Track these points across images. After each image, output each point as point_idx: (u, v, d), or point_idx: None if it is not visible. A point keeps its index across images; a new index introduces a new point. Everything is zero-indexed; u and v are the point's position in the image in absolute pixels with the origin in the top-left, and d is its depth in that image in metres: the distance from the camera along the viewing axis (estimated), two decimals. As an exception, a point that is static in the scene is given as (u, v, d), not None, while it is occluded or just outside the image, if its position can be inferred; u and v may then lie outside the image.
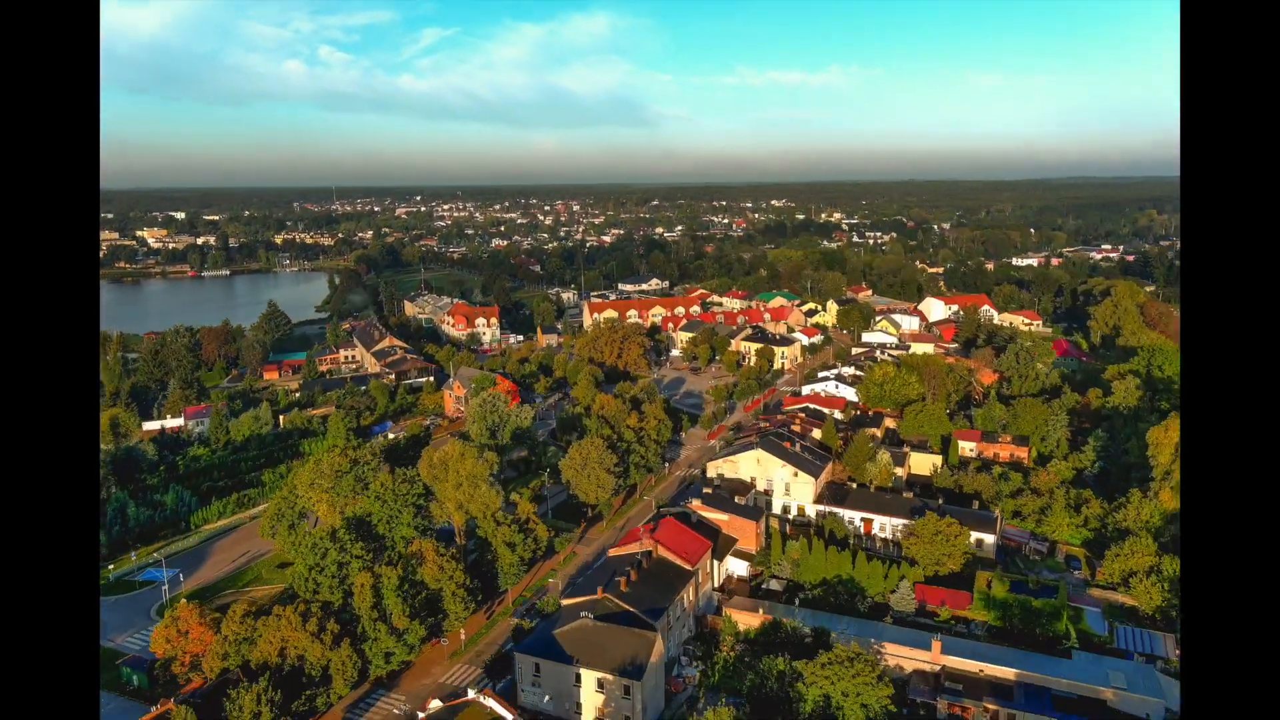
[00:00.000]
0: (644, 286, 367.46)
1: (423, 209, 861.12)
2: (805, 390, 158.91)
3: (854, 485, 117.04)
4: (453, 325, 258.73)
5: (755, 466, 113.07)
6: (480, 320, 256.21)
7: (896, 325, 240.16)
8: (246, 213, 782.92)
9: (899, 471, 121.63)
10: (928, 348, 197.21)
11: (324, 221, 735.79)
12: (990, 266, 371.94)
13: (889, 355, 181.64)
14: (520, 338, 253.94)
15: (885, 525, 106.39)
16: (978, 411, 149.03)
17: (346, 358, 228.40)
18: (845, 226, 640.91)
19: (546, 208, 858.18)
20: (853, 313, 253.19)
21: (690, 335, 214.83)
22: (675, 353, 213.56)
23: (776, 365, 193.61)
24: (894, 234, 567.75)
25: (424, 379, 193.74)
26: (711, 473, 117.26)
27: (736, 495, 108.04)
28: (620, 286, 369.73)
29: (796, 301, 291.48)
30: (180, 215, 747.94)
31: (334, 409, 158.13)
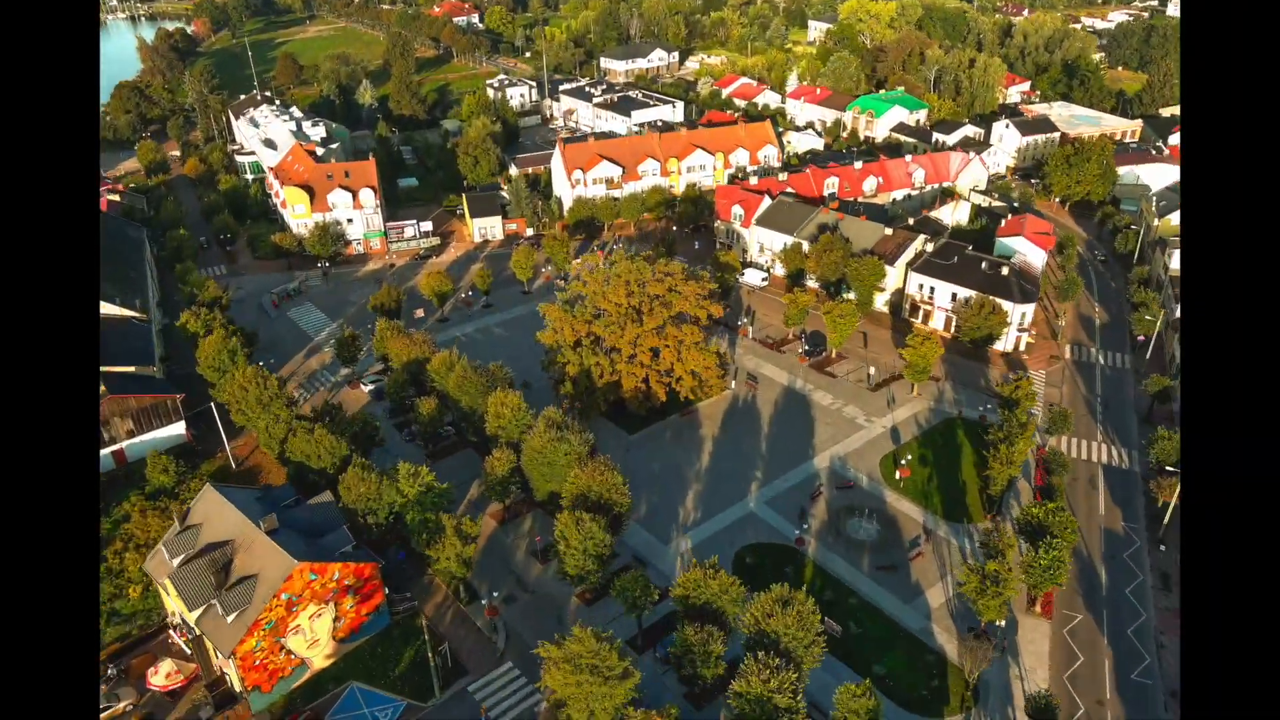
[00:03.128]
0: (642, 64, 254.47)
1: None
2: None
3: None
4: (279, 201, 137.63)
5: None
6: (339, 195, 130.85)
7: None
8: None
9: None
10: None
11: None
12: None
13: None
14: (425, 236, 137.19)
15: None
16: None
17: None
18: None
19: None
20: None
21: (778, 245, 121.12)
22: (755, 279, 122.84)
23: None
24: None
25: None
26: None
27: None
28: (604, 64, 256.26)
29: (926, 112, 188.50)
30: None
31: None
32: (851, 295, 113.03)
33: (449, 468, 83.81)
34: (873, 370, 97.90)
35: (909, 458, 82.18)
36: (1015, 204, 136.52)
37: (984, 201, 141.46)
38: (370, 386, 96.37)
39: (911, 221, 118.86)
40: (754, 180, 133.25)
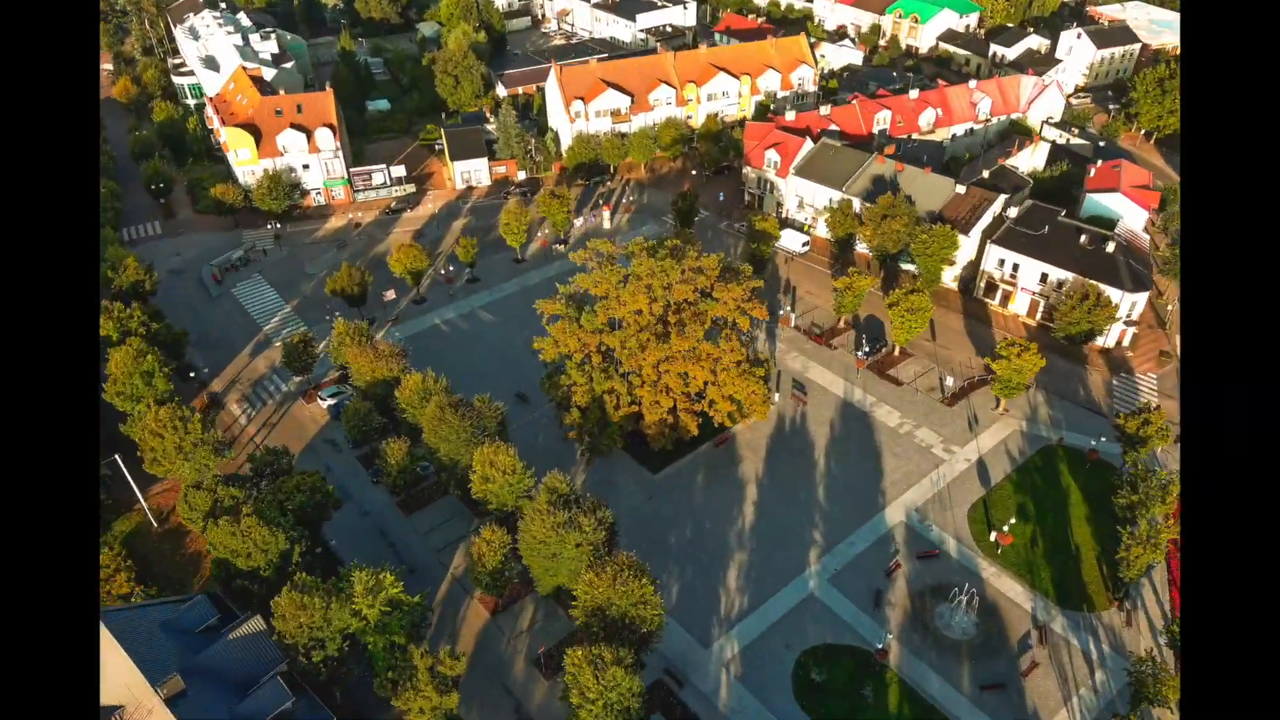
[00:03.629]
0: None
1: None
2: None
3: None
4: (221, 141, 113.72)
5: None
6: (291, 137, 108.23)
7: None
8: None
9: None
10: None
11: None
12: None
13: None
14: (398, 184, 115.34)
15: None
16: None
17: None
18: None
19: None
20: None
21: (822, 200, 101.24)
22: (794, 244, 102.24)
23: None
24: None
25: None
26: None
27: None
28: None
29: (979, 16, 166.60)
30: None
31: None
32: (910, 265, 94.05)
33: (426, 521, 67.19)
34: (949, 381, 79.90)
35: (1011, 522, 65.21)
36: (1100, 141, 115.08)
37: (1059, 137, 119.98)
38: (330, 401, 78.52)
39: (986, 174, 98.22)
40: (789, 115, 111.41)
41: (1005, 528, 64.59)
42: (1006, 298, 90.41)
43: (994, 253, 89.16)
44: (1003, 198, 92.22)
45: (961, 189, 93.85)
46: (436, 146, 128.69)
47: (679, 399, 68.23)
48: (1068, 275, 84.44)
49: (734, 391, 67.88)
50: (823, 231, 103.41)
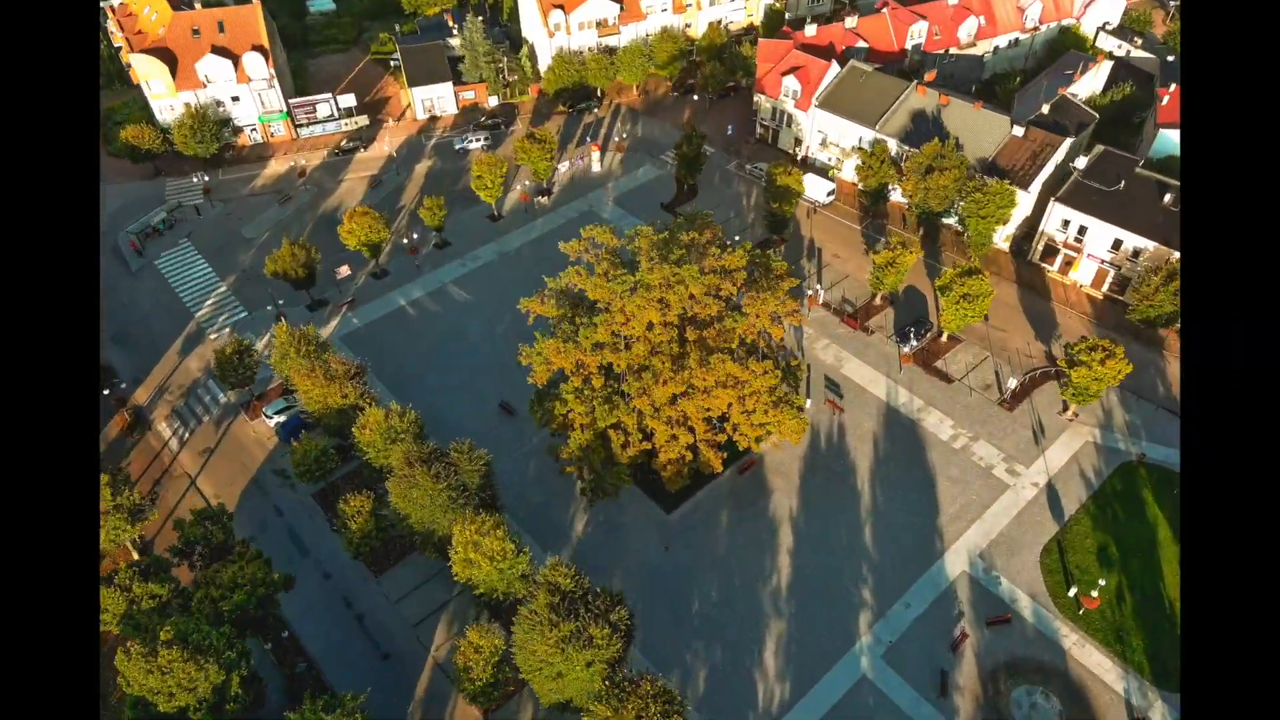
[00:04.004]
0: None
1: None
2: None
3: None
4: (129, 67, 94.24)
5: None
6: (214, 64, 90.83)
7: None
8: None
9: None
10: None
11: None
12: None
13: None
14: (348, 116, 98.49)
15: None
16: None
17: None
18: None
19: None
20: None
21: (850, 139, 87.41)
22: (818, 192, 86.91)
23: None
24: None
25: None
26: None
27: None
28: None
29: None
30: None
31: None
32: (951, 218, 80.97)
33: (399, 583, 56.51)
34: (1011, 382, 68.30)
35: (1101, 584, 55.08)
36: (1169, 56, 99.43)
37: (1117, 47, 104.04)
38: (278, 419, 66.10)
39: (1046, 109, 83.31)
40: (809, 30, 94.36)
41: (1093, 592, 54.73)
42: (1068, 264, 77.89)
43: (1058, 212, 75.92)
44: (1068, 143, 78.10)
45: (1019, 130, 79.43)
46: (392, 63, 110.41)
47: (699, 429, 56.46)
48: (1147, 244, 71.78)
49: (765, 422, 56.13)
50: (848, 174, 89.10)
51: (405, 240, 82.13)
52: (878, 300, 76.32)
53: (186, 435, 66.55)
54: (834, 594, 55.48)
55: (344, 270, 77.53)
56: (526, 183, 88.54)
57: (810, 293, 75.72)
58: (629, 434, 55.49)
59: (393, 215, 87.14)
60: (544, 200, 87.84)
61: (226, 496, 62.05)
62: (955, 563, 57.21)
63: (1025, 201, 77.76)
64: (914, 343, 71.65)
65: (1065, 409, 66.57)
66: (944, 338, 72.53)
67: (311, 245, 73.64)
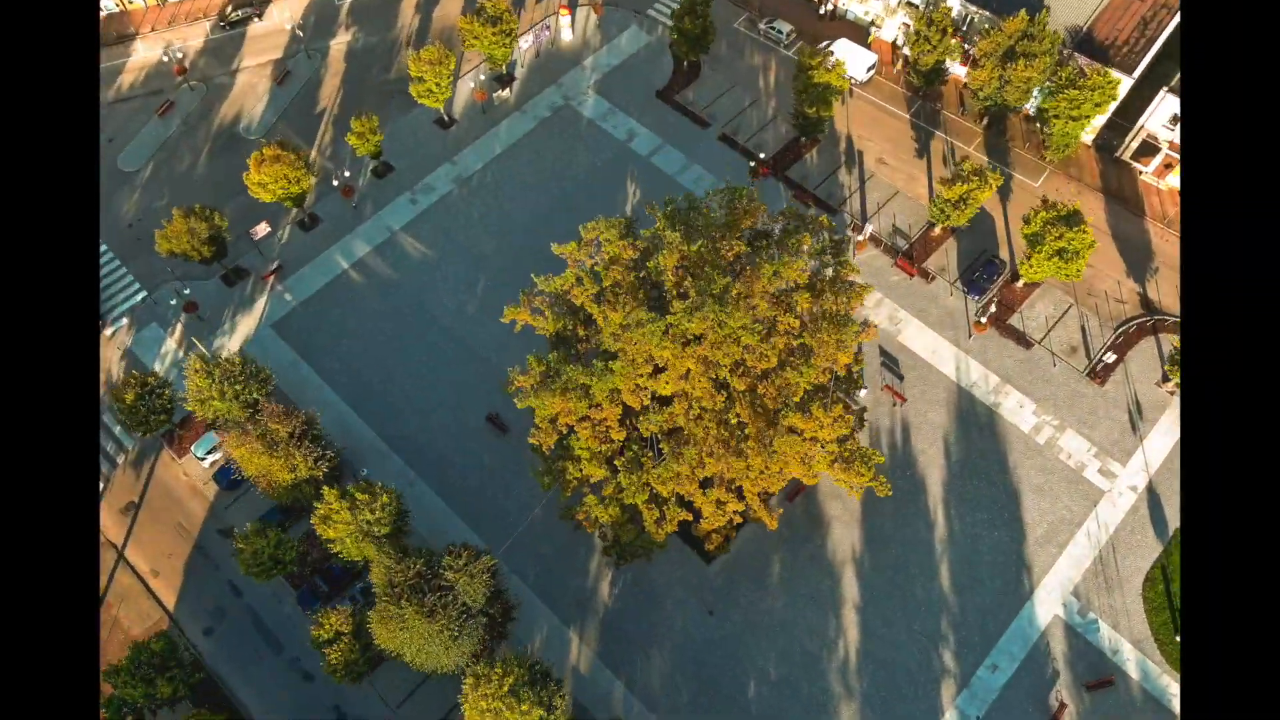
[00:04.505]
0: None
1: None
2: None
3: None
4: None
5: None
6: None
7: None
8: None
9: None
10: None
11: None
12: None
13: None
14: None
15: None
16: None
17: None
18: None
19: None
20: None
21: None
22: (857, 66, 67.33)
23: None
24: None
25: None
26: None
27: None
28: None
29: None
30: None
31: None
32: (1028, 108, 65.13)
33: (398, 679, 47.65)
34: (1110, 357, 56.46)
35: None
36: None
37: None
38: (213, 456, 53.37)
39: (1155, -54, 63.76)
40: None
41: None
42: (1168, 166, 63.34)
43: (1168, 105, 60.13)
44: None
45: (1122, -14, 61.11)
46: None
47: (751, 495, 45.31)
48: (1280, 153, 57.40)
49: (827, 468, 44.99)
50: (890, 33, 70.43)
51: (335, 180, 63.93)
52: (937, 230, 62.14)
53: (101, 486, 53.78)
54: (910, 663, 47.89)
55: (262, 229, 60.54)
56: (481, 77, 68.46)
57: (859, 238, 60.97)
58: (665, 507, 44.29)
59: (311, 131, 67.91)
60: (505, 94, 68.64)
61: (166, 571, 51.05)
62: (1046, 604, 49.43)
63: (1125, 85, 61.49)
64: (985, 295, 58.88)
65: (1166, 380, 56.04)
66: (1020, 283, 59.75)
67: (213, 211, 56.18)
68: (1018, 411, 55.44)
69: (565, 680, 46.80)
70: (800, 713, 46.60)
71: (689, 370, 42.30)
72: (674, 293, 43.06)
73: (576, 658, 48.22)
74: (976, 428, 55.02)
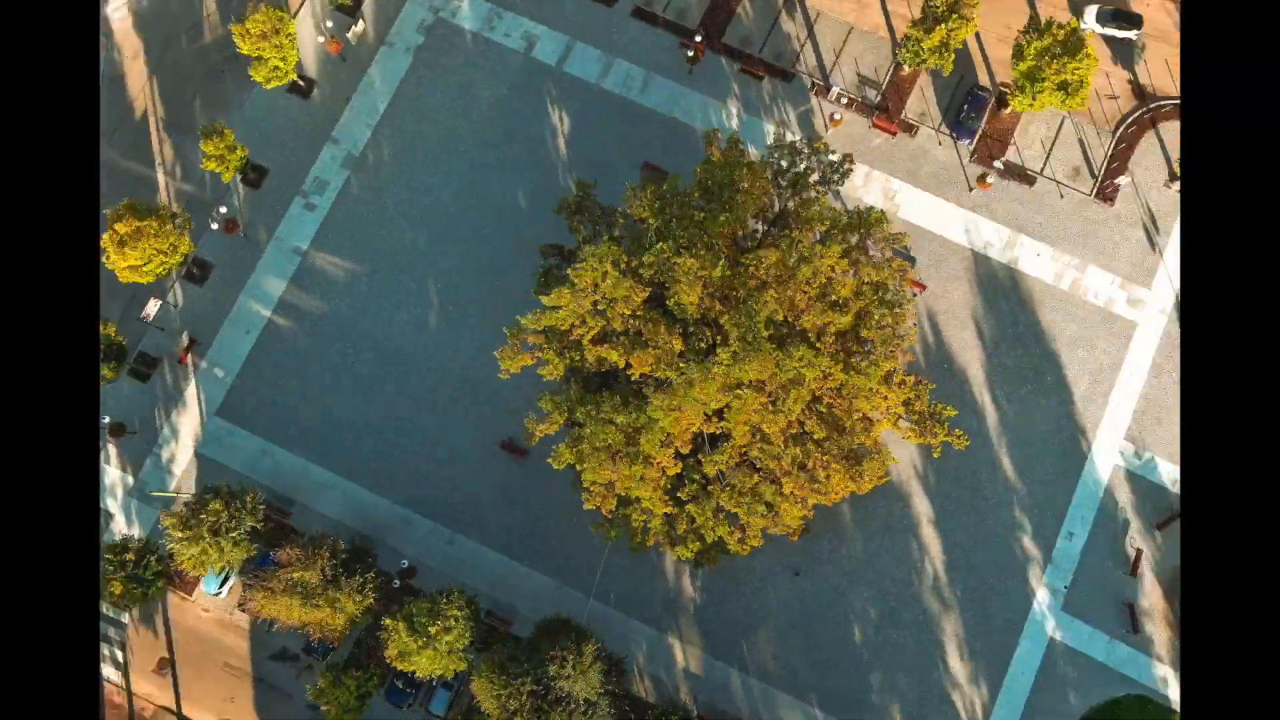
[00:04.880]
0: None
1: None
2: None
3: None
4: None
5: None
6: None
7: None
8: None
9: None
10: None
11: None
12: None
13: None
14: None
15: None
16: None
17: None
18: None
19: None
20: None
21: None
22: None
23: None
24: None
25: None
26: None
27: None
28: None
29: None
30: None
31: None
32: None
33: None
34: (1123, 179, 52.29)
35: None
36: None
37: None
38: (224, 587, 48.36)
39: None
40: None
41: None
42: (1138, -87, 55.28)
43: None
44: None
45: None
46: None
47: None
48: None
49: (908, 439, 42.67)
50: None
51: (213, 220, 51.80)
52: (906, 69, 54.66)
53: (119, 655, 48.77)
54: (995, 556, 49.24)
55: (151, 306, 50.18)
56: (328, 24, 53.91)
57: (834, 113, 53.11)
58: (746, 529, 41.99)
59: (141, 148, 54.23)
60: (359, 28, 54.85)
61: (237, 714, 48.07)
62: (1104, 457, 50.40)
63: None
64: (976, 136, 53.30)
65: (1173, 179, 53.21)
66: (1007, 110, 54.05)
67: (105, 321, 45.83)
68: (1036, 261, 52.62)
69: (679, 685, 47.30)
70: (910, 641, 48.31)
71: (755, 414, 37.91)
72: (701, 320, 37.42)
73: (684, 660, 48.27)
74: (1001, 293, 52.36)
